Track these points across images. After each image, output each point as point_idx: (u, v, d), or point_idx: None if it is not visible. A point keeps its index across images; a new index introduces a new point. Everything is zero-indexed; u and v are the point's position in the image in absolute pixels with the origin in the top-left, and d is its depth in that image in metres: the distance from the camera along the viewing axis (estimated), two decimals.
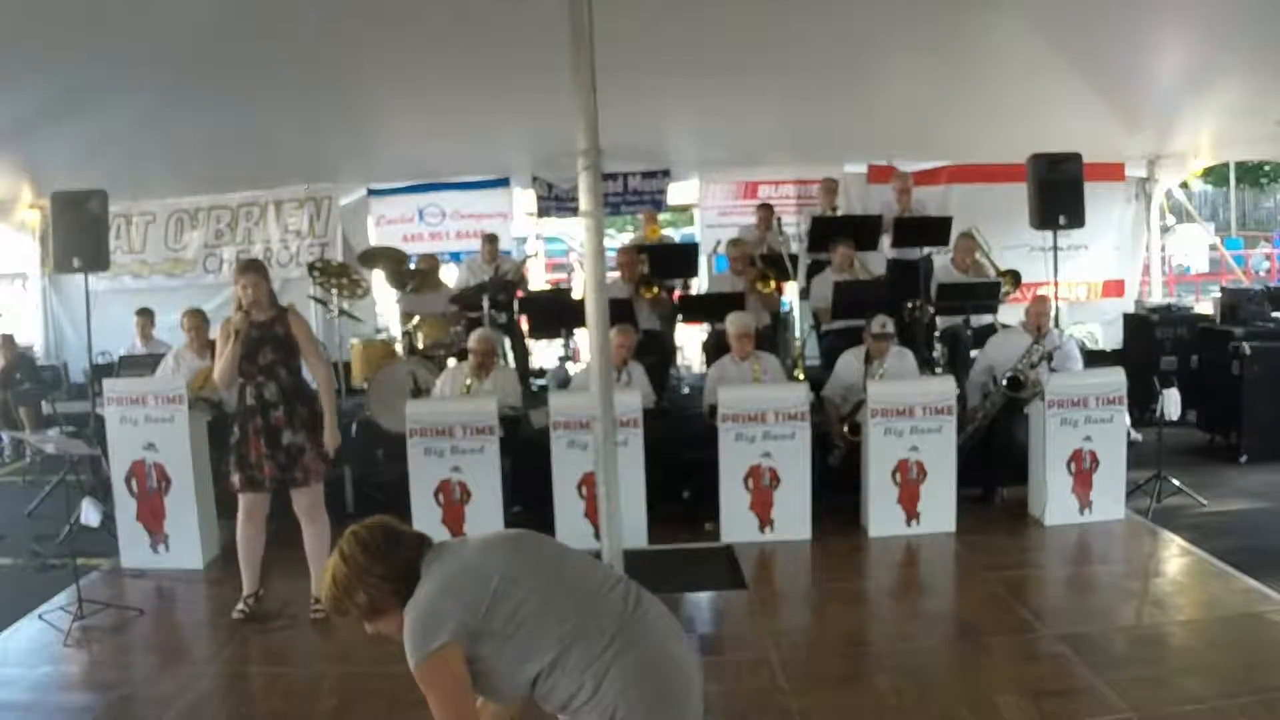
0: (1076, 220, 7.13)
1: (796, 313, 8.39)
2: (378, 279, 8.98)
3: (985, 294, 7.39)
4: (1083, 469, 5.79)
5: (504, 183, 10.32)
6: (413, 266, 8.64)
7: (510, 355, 8.10)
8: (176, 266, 9.81)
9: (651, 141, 9.43)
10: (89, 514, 5.25)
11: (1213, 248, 15.59)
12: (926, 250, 7.74)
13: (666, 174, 10.19)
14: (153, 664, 4.43)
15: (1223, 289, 9.51)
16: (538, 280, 12.89)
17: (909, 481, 5.72)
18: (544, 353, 9.43)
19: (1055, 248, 7.41)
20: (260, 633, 4.62)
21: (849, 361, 6.36)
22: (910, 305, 7.46)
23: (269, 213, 9.77)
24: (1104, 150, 8.63)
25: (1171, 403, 6.38)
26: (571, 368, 7.93)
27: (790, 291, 8.32)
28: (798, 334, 8.28)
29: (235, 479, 4.64)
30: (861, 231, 7.82)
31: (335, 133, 8.42)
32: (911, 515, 5.73)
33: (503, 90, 7.07)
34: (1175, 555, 5.31)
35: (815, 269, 7.91)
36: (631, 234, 11.94)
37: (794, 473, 5.70)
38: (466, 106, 7.74)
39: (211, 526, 5.73)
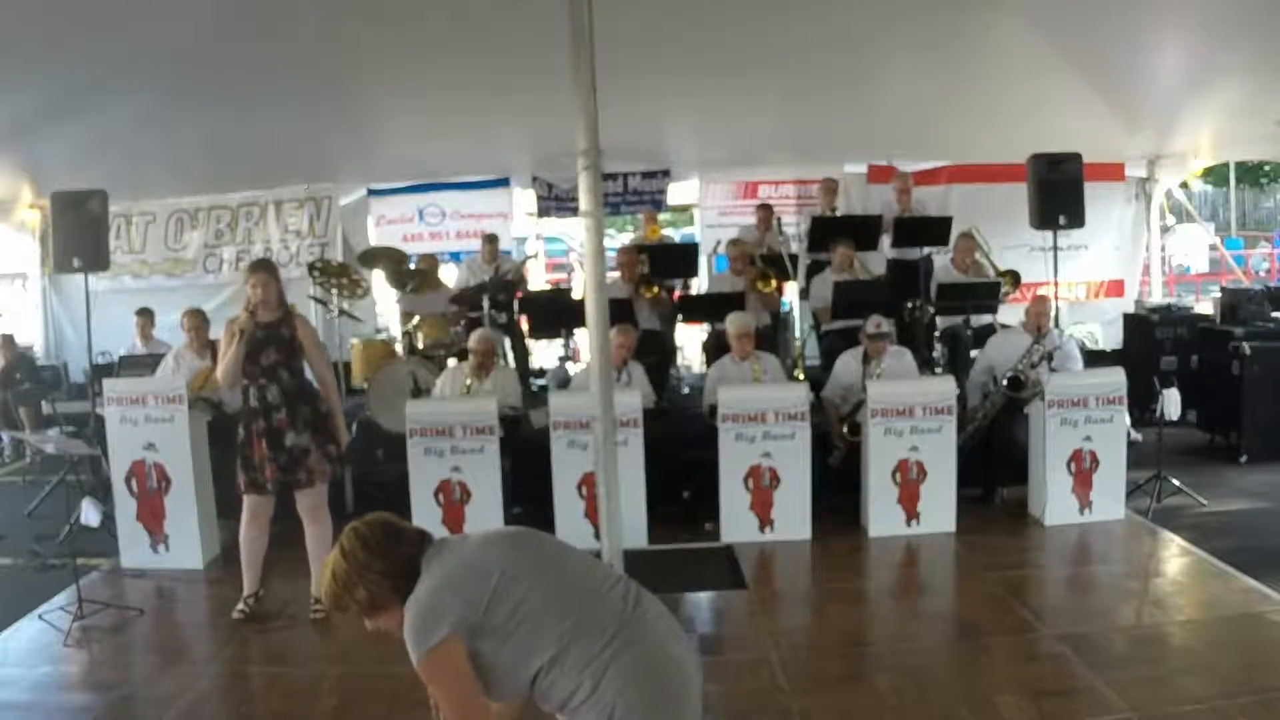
0: (1076, 220, 7.13)
1: (796, 313, 8.39)
2: (378, 279, 8.98)
3: (985, 294, 7.39)
4: (1083, 469, 5.79)
5: (504, 183, 10.32)
6: (413, 266, 8.64)
7: (510, 355, 8.10)
8: (176, 266, 9.81)
9: (651, 141, 9.43)
10: (89, 514, 5.25)
11: (1213, 248, 15.59)
12: (926, 250, 7.74)
13: (666, 174, 10.19)
14: (153, 664, 4.43)
15: (1223, 289, 9.51)
16: (538, 280, 12.90)
17: (909, 481, 5.72)
18: (544, 353, 9.43)
19: (1055, 248, 7.41)
20: (260, 633, 4.62)
21: (847, 362, 6.36)
22: (910, 305, 7.46)
23: (269, 213, 9.77)
24: (1104, 150, 8.63)
25: (1171, 403, 6.38)
26: (571, 368, 7.93)
27: (790, 291, 8.32)
28: (798, 334, 8.28)
29: (240, 480, 4.65)
30: (861, 231, 7.82)
31: (335, 133, 8.41)
32: (911, 515, 5.73)
33: (503, 90, 7.07)
34: (1175, 555, 5.31)
35: (815, 269, 7.90)
36: (631, 234, 11.94)
37: (794, 473, 5.70)
38: (466, 106, 7.74)
39: (211, 526, 5.73)
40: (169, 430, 5.52)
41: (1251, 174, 22.54)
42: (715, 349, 7.29)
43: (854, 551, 5.60)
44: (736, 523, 5.72)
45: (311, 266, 8.06)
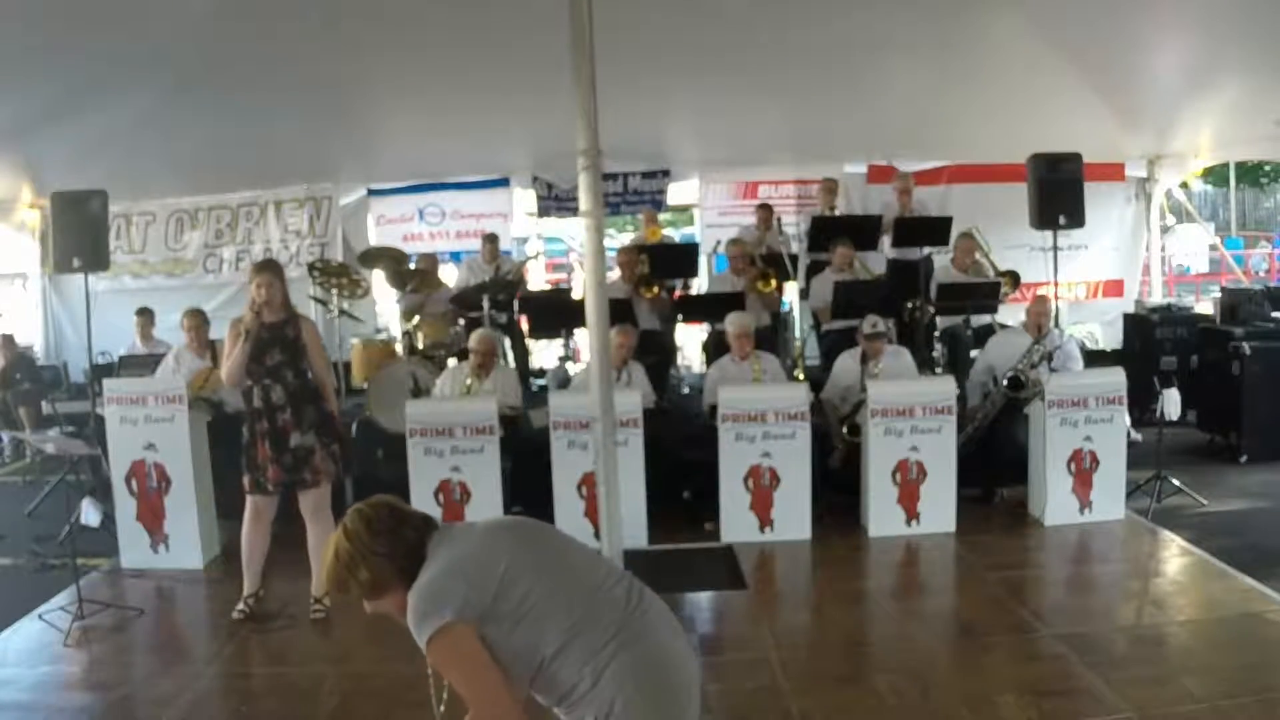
0: (1076, 220, 7.13)
1: (796, 313, 8.39)
2: (378, 279, 8.98)
3: (985, 294, 7.39)
4: (1083, 469, 5.79)
5: (504, 183, 10.31)
6: (413, 266, 8.64)
7: (510, 355, 8.10)
8: (176, 266, 9.81)
9: (651, 141, 9.43)
10: (89, 514, 5.25)
11: (1213, 248, 15.60)
12: (926, 250, 7.74)
13: (666, 174, 10.19)
14: (153, 664, 4.43)
15: (1223, 289, 9.51)
16: (538, 280, 12.90)
17: (909, 481, 5.72)
18: (544, 353, 9.43)
19: (1055, 248, 7.41)
20: (260, 633, 4.62)
21: (846, 363, 6.36)
22: (910, 305, 7.46)
23: (269, 213, 9.77)
24: (1104, 150, 8.64)
25: (1171, 403, 6.38)
26: (571, 368, 7.93)
27: (790, 291, 8.32)
28: (798, 334, 8.28)
29: (244, 481, 4.64)
30: (861, 231, 7.83)
31: (335, 133, 8.42)
32: (911, 515, 5.73)
33: (503, 90, 7.08)
34: (1175, 555, 5.31)
35: (815, 269, 7.91)
36: (631, 234, 11.94)
37: (794, 473, 5.69)
38: (466, 106, 7.74)
39: (211, 526, 5.73)
40: (169, 430, 5.51)
41: (1251, 174, 22.55)
42: (715, 349, 7.29)
43: (854, 551, 5.60)
44: (736, 523, 5.72)
45: (311, 266, 8.07)
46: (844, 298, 7.14)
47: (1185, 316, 8.40)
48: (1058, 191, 7.01)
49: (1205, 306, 10.32)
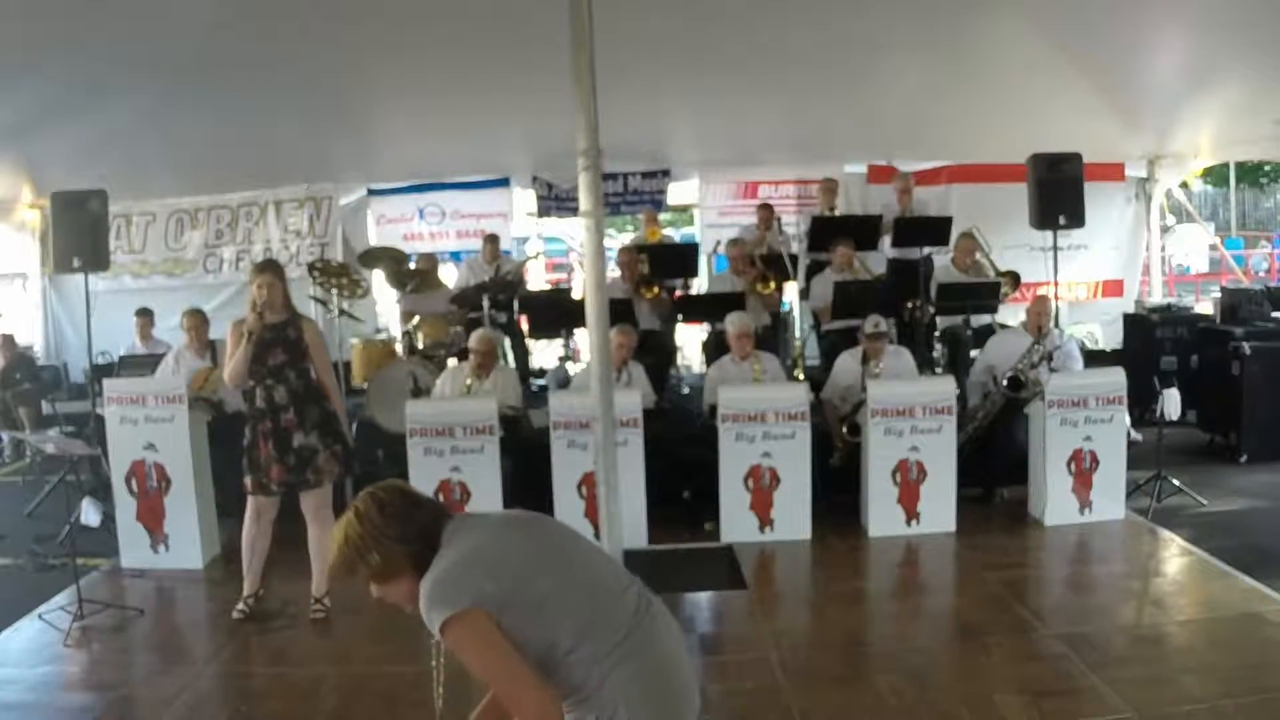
0: (1076, 220, 7.12)
1: (796, 313, 8.39)
2: (378, 279, 8.98)
3: (985, 294, 7.39)
4: (1083, 469, 5.79)
5: (504, 183, 10.31)
6: (413, 266, 8.64)
7: (510, 355, 8.10)
8: (176, 266, 9.81)
9: (651, 141, 9.43)
10: (89, 514, 5.25)
11: (1213, 248, 15.58)
12: (926, 250, 7.74)
13: (666, 174, 10.19)
14: (153, 664, 4.43)
15: (1223, 289, 9.51)
16: (538, 280, 12.90)
17: (909, 481, 5.72)
18: (544, 353, 9.43)
19: (1055, 248, 7.41)
20: (260, 633, 4.62)
21: (846, 363, 6.36)
22: (910, 305, 7.46)
23: (269, 213, 9.77)
24: (1104, 150, 8.63)
25: (1171, 403, 6.38)
26: (571, 368, 7.94)
27: (790, 291, 8.32)
28: (798, 334, 8.28)
29: (247, 481, 4.64)
30: (861, 231, 7.82)
31: (335, 133, 8.42)
32: (911, 515, 5.73)
33: (503, 90, 7.07)
34: (1175, 555, 5.31)
35: (815, 269, 7.91)
36: (631, 234, 11.94)
37: (794, 473, 5.70)
38: (466, 106, 7.74)
39: (211, 526, 5.73)
40: (169, 430, 5.51)
41: (1251, 174, 22.54)
42: (715, 349, 7.29)
43: (854, 551, 5.60)
44: (736, 523, 5.72)
45: (311, 266, 8.06)
46: (844, 298, 7.14)
47: (1185, 316, 8.40)
48: (1058, 191, 7.01)
49: (1205, 306, 10.31)
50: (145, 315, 8.26)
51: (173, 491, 5.53)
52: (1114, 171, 9.53)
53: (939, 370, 7.10)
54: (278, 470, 4.57)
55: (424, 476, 5.63)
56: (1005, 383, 6.11)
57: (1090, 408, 5.80)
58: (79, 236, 6.53)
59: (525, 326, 8.15)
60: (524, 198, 10.71)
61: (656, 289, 7.60)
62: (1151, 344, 7.96)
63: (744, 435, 5.70)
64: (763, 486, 5.71)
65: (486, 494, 5.60)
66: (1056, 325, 6.74)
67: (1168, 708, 3.56)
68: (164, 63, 6.15)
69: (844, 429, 6.12)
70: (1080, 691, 3.73)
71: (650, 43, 6.13)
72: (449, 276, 9.20)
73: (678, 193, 10.68)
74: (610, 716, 2.04)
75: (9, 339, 8.96)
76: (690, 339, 9.50)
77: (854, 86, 7.54)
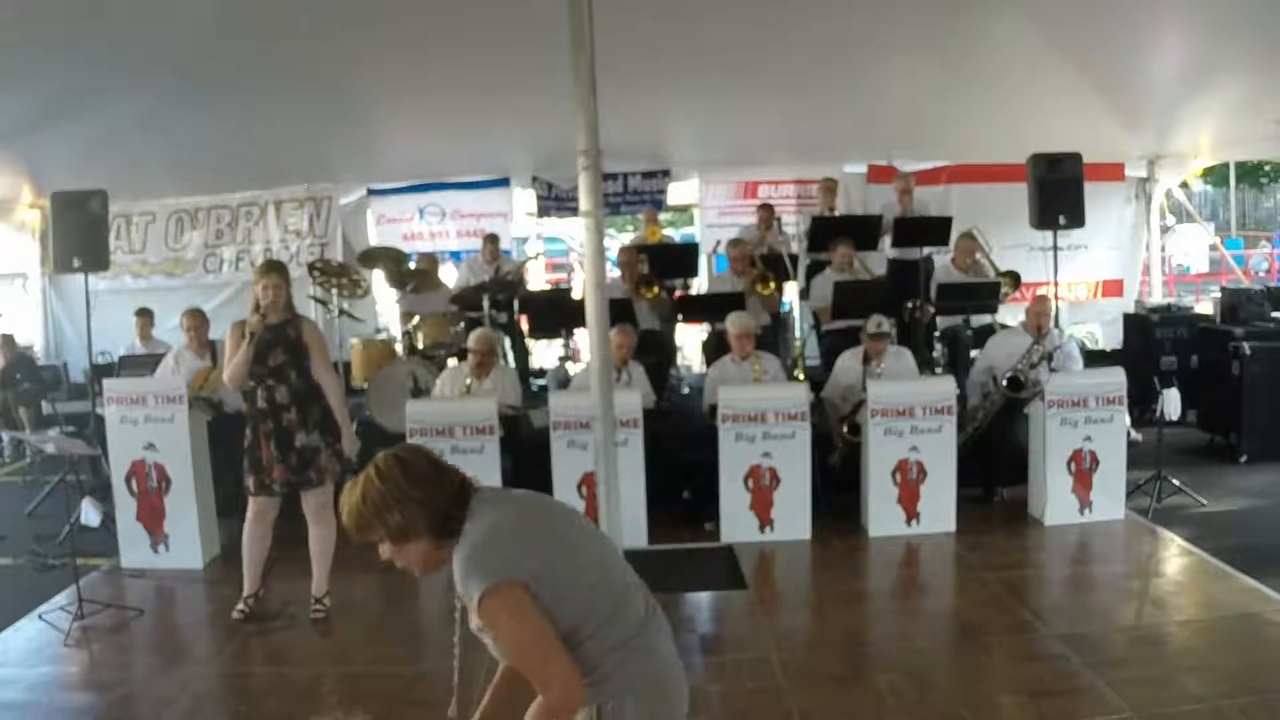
0: (1076, 220, 7.13)
1: (796, 313, 8.39)
2: (378, 279, 8.98)
3: (985, 294, 7.39)
4: (1083, 469, 5.79)
5: (504, 183, 10.31)
6: (412, 266, 8.64)
7: (510, 355, 8.10)
8: (176, 266, 9.81)
9: (651, 141, 9.43)
10: (89, 514, 5.25)
11: (1213, 248, 15.59)
12: (927, 250, 7.74)
13: (666, 174, 10.19)
14: (153, 664, 4.43)
15: (1223, 289, 9.50)
16: (538, 280, 12.90)
17: (909, 481, 5.72)
18: (544, 353, 9.43)
19: (1055, 248, 7.41)
20: (260, 633, 4.61)
21: (847, 362, 6.36)
22: (910, 305, 7.46)
23: (269, 213, 9.77)
24: (1104, 150, 8.63)
25: (1171, 403, 6.38)
26: (571, 368, 7.93)
27: (790, 291, 8.32)
28: (798, 334, 8.28)
29: (250, 482, 4.63)
30: (861, 231, 7.82)
31: (335, 133, 8.42)
32: (911, 515, 5.73)
33: (503, 90, 7.07)
34: (1175, 555, 5.31)
35: (815, 269, 7.91)
36: (631, 234, 11.94)
37: (794, 473, 5.69)
38: (466, 106, 7.74)
39: (211, 526, 5.72)
40: (169, 430, 5.51)
41: (1251, 174, 22.55)
42: (715, 349, 7.28)
43: (854, 551, 5.60)
44: (736, 523, 5.72)
45: (311, 266, 8.06)
46: (844, 298, 7.14)
47: (1185, 316, 8.39)
48: (1058, 191, 7.02)
49: (1205, 306, 10.31)
50: (145, 315, 8.27)
51: (173, 491, 5.53)
52: (1114, 171, 9.53)
53: (939, 370, 7.09)
54: (280, 470, 4.57)
55: None
56: (1005, 383, 6.11)
57: (1090, 408, 5.80)
58: (79, 236, 6.53)
59: (525, 326, 8.15)
60: (524, 198, 10.72)
61: (656, 289, 7.60)
62: (1151, 344, 7.96)
63: (744, 435, 5.70)
64: (763, 486, 5.71)
65: None
66: (1056, 325, 6.74)
67: (1168, 708, 3.56)
68: (164, 63, 6.15)
69: (844, 428, 6.12)
70: (1080, 691, 3.73)
71: (650, 43, 6.13)
72: (449, 276, 9.21)
73: (678, 193, 10.68)
74: (619, 703, 2.05)
75: (9, 339, 8.96)
76: (690, 339, 9.49)
77: (854, 86, 7.54)
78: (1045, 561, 5.44)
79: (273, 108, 7.29)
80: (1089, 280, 9.99)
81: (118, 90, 6.60)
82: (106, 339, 8.03)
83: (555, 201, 10.18)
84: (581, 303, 4.35)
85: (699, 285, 9.46)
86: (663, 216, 11.11)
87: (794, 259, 8.07)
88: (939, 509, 5.71)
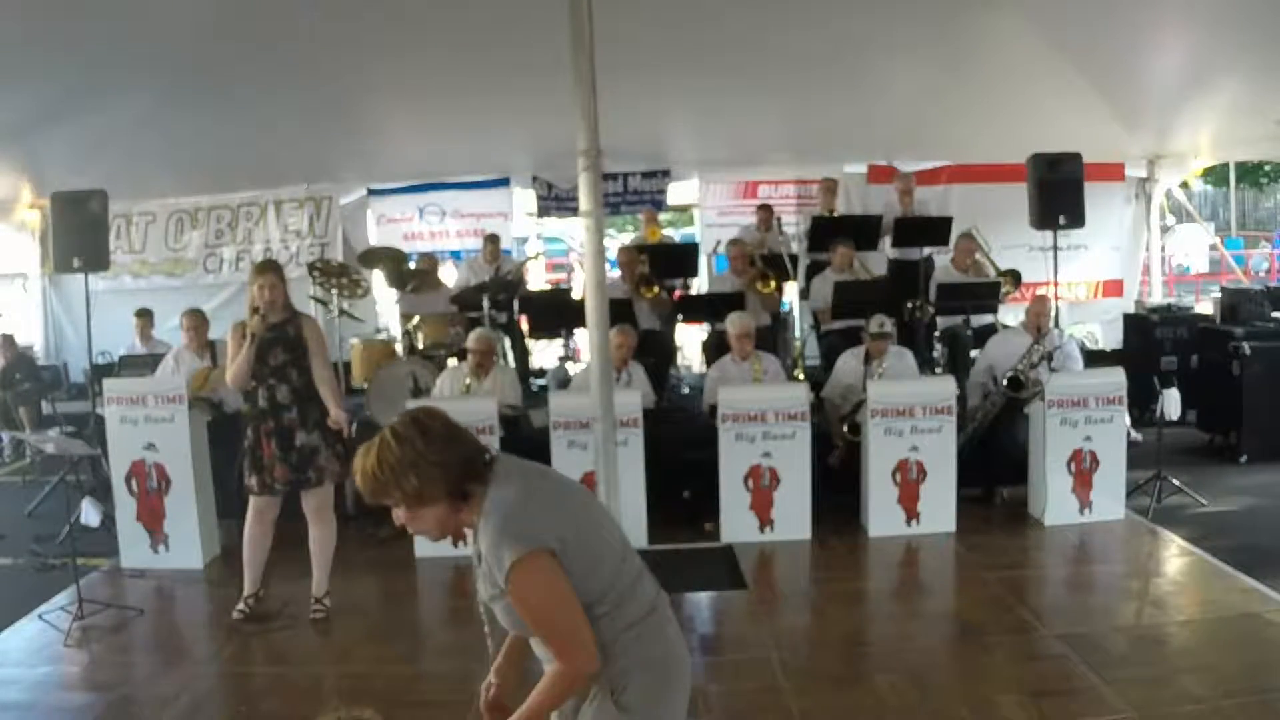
0: (1076, 220, 7.12)
1: (796, 313, 8.39)
2: (378, 279, 8.98)
3: (985, 294, 7.39)
4: (1083, 469, 5.79)
5: (504, 183, 10.32)
6: (413, 266, 8.63)
7: (510, 355, 8.10)
8: (176, 266, 9.81)
9: (651, 141, 9.43)
10: (89, 514, 5.26)
11: (1213, 248, 15.59)
12: (927, 250, 7.74)
13: (666, 174, 10.19)
14: (153, 664, 4.43)
15: (1223, 289, 9.51)
16: (538, 280, 12.90)
17: (909, 481, 5.71)
18: (544, 353, 9.43)
19: (1055, 248, 7.41)
20: (260, 633, 4.61)
21: (848, 362, 6.36)
22: (910, 305, 7.46)
23: (269, 213, 9.77)
24: (1104, 150, 8.63)
25: (1171, 403, 6.38)
26: (571, 368, 7.94)
27: (790, 291, 8.32)
28: (798, 334, 8.28)
29: (251, 481, 4.63)
30: (861, 232, 7.83)
31: (335, 133, 8.42)
32: (911, 515, 5.73)
33: (503, 90, 7.07)
34: (1175, 555, 5.31)
35: (815, 269, 7.91)
36: (631, 234, 11.94)
37: (794, 473, 5.69)
38: (466, 106, 7.74)
39: (211, 526, 5.73)
40: (169, 430, 5.51)
41: (1251, 174, 22.53)
42: (715, 349, 7.28)
43: (854, 551, 5.60)
44: (736, 523, 5.72)
45: (311, 266, 8.06)
46: (844, 298, 7.14)
47: (1185, 316, 8.39)
48: (1058, 191, 7.01)
49: (1205, 306, 10.32)
50: (145, 315, 8.27)
51: (173, 491, 5.53)
52: (1114, 171, 9.53)
53: (939, 370, 7.09)
54: (281, 469, 4.57)
55: None
56: (1005, 383, 6.11)
57: (1090, 408, 5.79)
58: (79, 236, 6.52)
59: (525, 326, 8.15)
60: (524, 198, 10.73)
61: (656, 289, 7.60)
62: (1151, 344, 7.95)
63: (744, 435, 5.70)
64: (763, 486, 5.71)
65: None
66: (1056, 325, 6.74)
67: (1168, 708, 3.56)
68: (164, 63, 6.15)
69: (844, 428, 6.12)
70: (1080, 691, 3.73)
71: (650, 43, 6.13)
72: (449, 276, 9.21)
73: (678, 193, 10.68)
74: (624, 680, 2.05)
75: (9, 339, 8.96)
76: (690, 339, 9.50)
77: (854, 86, 7.53)
78: (1045, 561, 5.44)
79: (273, 108, 7.29)
80: (1089, 280, 9.98)
81: (118, 90, 6.59)
82: (106, 339, 8.02)
83: (555, 201, 10.18)
84: (581, 303, 4.35)
85: (699, 285, 9.47)
86: (663, 216, 11.11)
87: (794, 259, 8.07)
88: (939, 509, 5.71)
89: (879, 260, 7.93)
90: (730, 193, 10.35)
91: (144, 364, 7.04)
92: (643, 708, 2.06)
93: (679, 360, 8.98)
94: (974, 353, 7.03)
